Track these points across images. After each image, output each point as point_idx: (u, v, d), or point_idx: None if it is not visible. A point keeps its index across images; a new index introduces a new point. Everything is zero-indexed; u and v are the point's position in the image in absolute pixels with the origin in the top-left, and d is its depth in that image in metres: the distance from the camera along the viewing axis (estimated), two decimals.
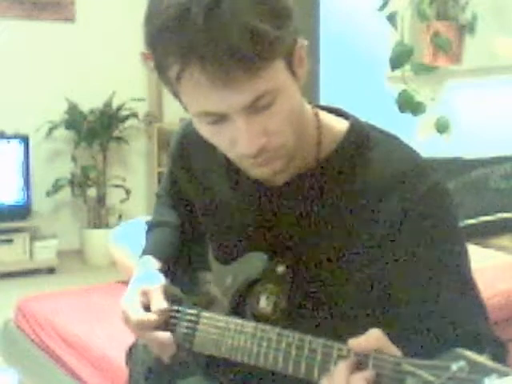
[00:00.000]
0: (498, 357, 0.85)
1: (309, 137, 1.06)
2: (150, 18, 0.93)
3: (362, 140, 1.05)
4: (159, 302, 1.12)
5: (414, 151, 1.06)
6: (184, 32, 0.88)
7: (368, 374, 0.83)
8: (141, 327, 1.12)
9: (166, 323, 1.13)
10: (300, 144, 1.02)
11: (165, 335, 1.11)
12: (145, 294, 1.14)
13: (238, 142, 0.95)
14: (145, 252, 1.27)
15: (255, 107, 0.93)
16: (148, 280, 1.17)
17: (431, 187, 1.00)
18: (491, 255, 2.23)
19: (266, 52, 0.89)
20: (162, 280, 1.16)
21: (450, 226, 1.02)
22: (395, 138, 1.08)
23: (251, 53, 0.87)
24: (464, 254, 1.03)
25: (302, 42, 0.99)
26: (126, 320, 1.14)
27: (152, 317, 1.11)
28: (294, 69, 0.96)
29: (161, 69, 0.94)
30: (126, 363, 1.36)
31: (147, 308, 1.13)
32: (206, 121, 0.97)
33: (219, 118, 0.95)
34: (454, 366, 0.76)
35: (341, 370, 0.85)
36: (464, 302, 0.98)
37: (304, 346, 0.93)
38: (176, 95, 0.97)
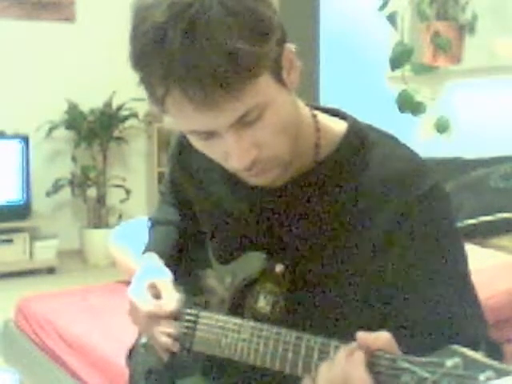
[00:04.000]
0: (493, 358, 0.85)
1: (307, 139, 1.05)
2: (132, 39, 0.92)
3: (360, 141, 1.05)
4: (171, 293, 1.14)
5: (413, 152, 1.06)
6: (162, 57, 0.86)
7: (362, 355, 0.83)
8: (152, 318, 1.13)
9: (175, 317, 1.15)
10: (297, 148, 1.01)
11: (175, 325, 1.13)
12: (153, 286, 1.16)
13: (229, 156, 0.95)
14: (148, 249, 1.29)
15: (243, 122, 0.91)
16: (155, 273, 1.19)
17: (430, 189, 1.00)
18: (491, 255, 2.23)
19: (247, 72, 0.86)
20: (169, 275, 1.19)
21: (448, 228, 1.02)
22: (394, 139, 1.07)
23: (231, 75, 0.85)
24: (461, 256, 1.03)
25: (290, 47, 0.96)
26: (136, 311, 1.16)
27: (165, 306, 1.13)
28: (282, 78, 0.94)
29: (146, 90, 0.93)
30: (127, 364, 1.36)
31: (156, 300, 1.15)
32: (196, 137, 0.96)
33: (209, 135, 0.94)
34: (449, 363, 0.76)
35: (341, 354, 0.85)
36: (461, 304, 0.98)
37: (301, 344, 0.94)
38: (165, 114, 0.96)
